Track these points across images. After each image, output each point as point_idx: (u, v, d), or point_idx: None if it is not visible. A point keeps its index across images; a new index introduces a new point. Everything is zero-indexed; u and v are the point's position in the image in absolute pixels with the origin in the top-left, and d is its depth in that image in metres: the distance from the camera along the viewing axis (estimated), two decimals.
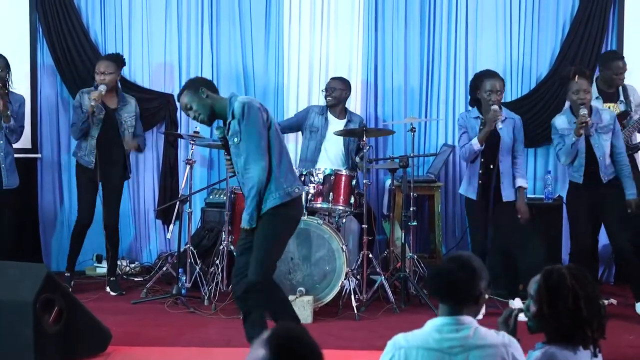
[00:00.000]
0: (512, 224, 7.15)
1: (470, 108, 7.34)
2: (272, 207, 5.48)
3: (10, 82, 7.59)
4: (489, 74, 7.13)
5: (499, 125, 6.91)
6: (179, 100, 5.71)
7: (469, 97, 7.29)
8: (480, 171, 7.07)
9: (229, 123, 5.50)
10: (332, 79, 8.16)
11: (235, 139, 5.47)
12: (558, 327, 3.27)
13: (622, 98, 7.69)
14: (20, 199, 8.25)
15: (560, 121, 7.09)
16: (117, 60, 7.81)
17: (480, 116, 7.04)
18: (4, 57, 7.59)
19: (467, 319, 3.31)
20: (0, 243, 7.58)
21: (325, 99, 8.02)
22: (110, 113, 7.69)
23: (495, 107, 6.91)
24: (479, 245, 7.10)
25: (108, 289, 7.80)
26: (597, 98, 7.51)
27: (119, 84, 7.93)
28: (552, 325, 3.29)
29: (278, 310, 5.58)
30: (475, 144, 6.96)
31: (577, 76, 6.89)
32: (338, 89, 7.98)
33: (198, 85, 5.60)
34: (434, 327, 3.32)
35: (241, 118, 5.43)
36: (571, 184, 7.22)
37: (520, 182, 7.16)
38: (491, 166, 7.06)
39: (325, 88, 8.07)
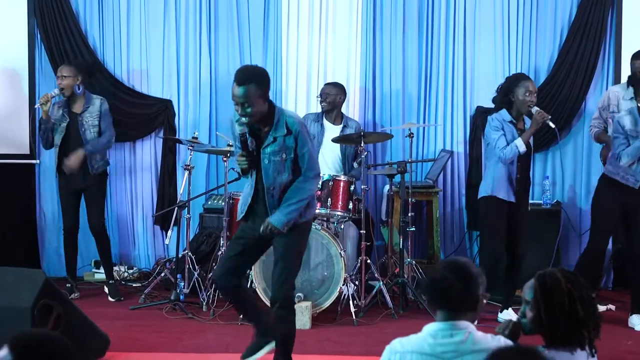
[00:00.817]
0: (528, 230, 7.11)
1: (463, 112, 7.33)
2: (305, 222, 5.41)
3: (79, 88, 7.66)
4: (523, 77, 7.09)
5: (552, 124, 6.87)
6: (240, 84, 5.17)
7: (498, 99, 7.08)
8: (518, 175, 6.96)
9: (279, 136, 5.25)
10: (326, 84, 8.17)
11: (284, 155, 5.26)
12: (556, 331, 3.27)
13: (631, 94, 7.60)
14: (18, 204, 8.26)
15: (628, 121, 6.92)
16: (79, 65, 7.81)
17: (514, 120, 6.94)
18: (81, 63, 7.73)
19: (463, 323, 3.31)
20: None
21: (320, 104, 8.03)
22: (73, 118, 7.66)
23: (538, 108, 6.86)
24: (498, 249, 7.01)
25: (106, 289, 7.81)
26: (630, 98, 7.43)
27: (77, 89, 7.66)
28: (549, 328, 3.29)
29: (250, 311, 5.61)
30: (521, 145, 6.83)
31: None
32: (332, 94, 7.98)
33: (267, 84, 5.33)
34: (429, 332, 3.33)
35: (298, 136, 5.27)
36: (610, 181, 7.07)
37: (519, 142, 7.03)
38: (522, 169, 7.01)
39: (320, 94, 8.07)
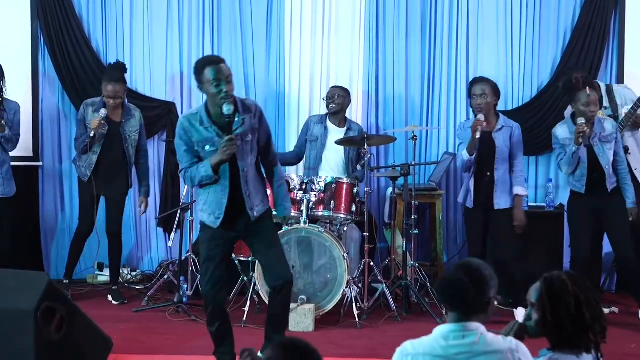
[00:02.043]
0: (511, 232, 7.15)
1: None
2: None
3: (5, 90, 7.56)
4: (475, 80, 7.21)
5: (477, 135, 6.88)
6: (219, 64, 5.27)
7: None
8: (473, 180, 7.10)
9: (245, 117, 5.33)
10: (333, 87, 8.17)
11: (250, 136, 5.36)
12: (562, 333, 3.28)
13: (605, 104, 7.67)
14: (21, 207, 8.25)
15: (562, 131, 7.06)
16: (124, 79, 7.74)
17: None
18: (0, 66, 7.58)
19: (474, 325, 3.31)
20: (0, 251, 7.57)
21: (328, 107, 8.00)
22: (113, 128, 7.64)
23: (480, 116, 6.94)
24: (476, 255, 7.07)
25: (110, 297, 7.79)
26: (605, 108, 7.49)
27: (125, 100, 7.83)
28: (555, 331, 3.29)
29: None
30: (464, 154, 7.00)
31: (587, 87, 6.84)
32: (341, 96, 7.98)
33: None
34: (440, 334, 3.32)
35: (261, 116, 5.43)
36: (573, 194, 7.21)
37: (517, 189, 7.16)
38: (488, 173, 7.06)
39: (328, 96, 8.05)
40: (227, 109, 5.18)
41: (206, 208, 5.45)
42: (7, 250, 7.68)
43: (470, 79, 7.55)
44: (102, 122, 7.48)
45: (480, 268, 3.37)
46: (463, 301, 3.31)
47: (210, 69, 5.23)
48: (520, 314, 6.91)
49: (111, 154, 7.65)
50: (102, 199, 7.80)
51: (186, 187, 7.60)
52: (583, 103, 6.83)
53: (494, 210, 7.10)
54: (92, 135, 7.42)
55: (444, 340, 3.29)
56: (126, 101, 7.82)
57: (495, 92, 7.13)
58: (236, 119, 5.29)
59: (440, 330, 3.34)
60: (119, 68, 7.80)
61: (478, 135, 6.89)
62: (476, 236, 7.17)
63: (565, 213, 7.55)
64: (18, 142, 7.68)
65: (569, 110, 7.48)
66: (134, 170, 7.88)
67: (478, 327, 3.31)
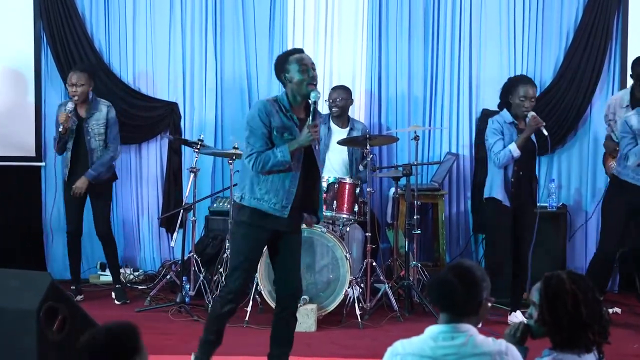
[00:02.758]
0: (533, 231, 7.06)
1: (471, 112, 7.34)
2: None
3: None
4: (524, 80, 7.02)
5: (545, 132, 6.79)
6: (304, 52, 5.41)
7: (499, 99, 7.10)
8: (513, 179, 6.92)
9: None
10: (334, 88, 8.13)
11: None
12: (560, 332, 3.28)
13: None
14: (24, 207, 8.26)
15: (636, 120, 6.89)
16: (90, 71, 7.78)
17: (515, 121, 6.91)
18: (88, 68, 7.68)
19: (464, 326, 3.29)
20: (2, 250, 7.57)
21: (331, 109, 7.99)
22: (80, 122, 7.64)
23: (533, 113, 6.80)
24: (503, 252, 7.00)
25: (113, 295, 7.80)
26: (626, 106, 7.43)
27: (91, 94, 7.73)
28: (554, 330, 3.29)
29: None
30: (515, 150, 6.79)
31: None
32: (343, 99, 7.96)
33: None
34: (430, 334, 3.32)
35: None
36: (619, 182, 7.06)
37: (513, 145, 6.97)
38: (520, 173, 6.97)
39: (330, 99, 8.03)
40: (314, 94, 5.20)
41: (269, 197, 5.22)
42: (8, 249, 7.68)
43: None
44: (70, 115, 7.47)
45: (472, 269, 3.34)
46: (452, 302, 3.30)
47: (297, 56, 5.29)
48: (518, 317, 6.89)
49: (80, 149, 7.65)
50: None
51: (188, 187, 7.59)
52: None
53: (529, 209, 7.01)
54: (60, 130, 7.43)
55: (433, 341, 3.28)
56: (92, 95, 7.73)
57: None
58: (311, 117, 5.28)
59: (431, 330, 3.33)
60: (88, 63, 7.99)
61: (546, 133, 6.79)
62: (507, 234, 7.02)
63: (571, 208, 7.47)
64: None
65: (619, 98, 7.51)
66: (137, 167, 7.89)
67: (468, 328, 3.30)
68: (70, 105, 7.51)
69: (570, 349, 3.27)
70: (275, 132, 5.22)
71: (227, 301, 5.35)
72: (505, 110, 6.98)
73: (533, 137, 6.94)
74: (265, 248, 5.56)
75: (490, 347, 3.26)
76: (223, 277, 7.33)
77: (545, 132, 6.81)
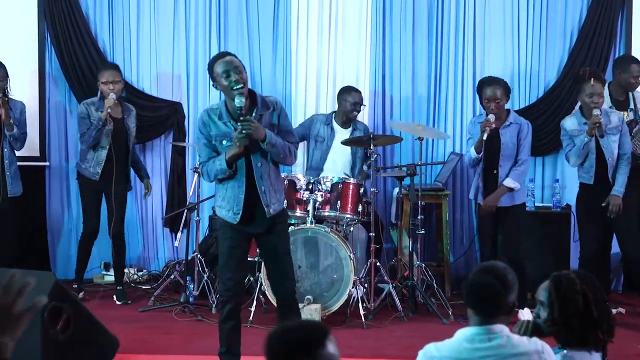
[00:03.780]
0: (520, 231, 7.14)
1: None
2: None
3: (9, 90, 7.58)
4: (489, 81, 7.15)
5: (484, 137, 6.90)
6: (227, 56, 5.34)
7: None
8: (480, 177, 7.13)
9: (265, 113, 5.33)
10: (356, 90, 8.03)
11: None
12: (571, 332, 3.28)
13: (632, 106, 7.64)
14: (28, 206, 8.26)
15: (570, 122, 7.10)
16: (119, 69, 7.86)
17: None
18: (3, 65, 7.58)
19: (499, 327, 3.28)
20: (7, 250, 7.59)
21: (352, 113, 7.89)
22: (117, 123, 7.66)
23: (491, 116, 6.91)
24: (486, 252, 7.12)
25: (115, 297, 7.80)
26: (610, 107, 7.46)
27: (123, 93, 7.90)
28: (564, 329, 3.30)
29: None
30: (472, 151, 7.04)
31: (592, 79, 6.88)
32: (363, 105, 7.98)
33: None
34: (464, 337, 3.29)
35: (281, 113, 5.44)
36: (581, 186, 7.22)
37: (506, 181, 7.07)
38: (494, 171, 7.06)
39: (355, 101, 7.87)
40: (238, 100, 5.16)
41: (224, 204, 5.41)
42: (13, 249, 7.69)
43: (479, 79, 7.52)
44: (115, 101, 7.52)
45: (506, 272, 3.35)
46: (494, 304, 3.28)
47: (220, 63, 5.26)
48: (526, 314, 6.90)
49: (118, 150, 7.65)
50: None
51: (192, 187, 7.60)
52: (587, 94, 6.91)
53: (503, 209, 7.08)
54: (109, 112, 7.43)
55: (469, 343, 3.26)
56: (123, 98, 7.88)
57: (507, 92, 7.13)
58: (253, 114, 5.28)
59: (464, 333, 3.31)
60: (115, 64, 8.05)
61: (485, 137, 6.90)
62: (486, 233, 7.19)
63: (574, 209, 7.53)
64: (25, 140, 7.72)
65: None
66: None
67: (502, 329, 3.29)
68: (113, 96, 7.51)
69: (580, 347, 3.28)
70: (214, 141, 5.35)
71: (223, 302, 5.48)
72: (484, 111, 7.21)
73: (509, 136, 7.06)
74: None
75: (527, 347, 3.26)
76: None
77: (484, 137, 6.91)
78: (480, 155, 6.99)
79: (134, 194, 8.66)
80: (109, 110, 7.44)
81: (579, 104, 7.25)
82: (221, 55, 5.43)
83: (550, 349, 3.32)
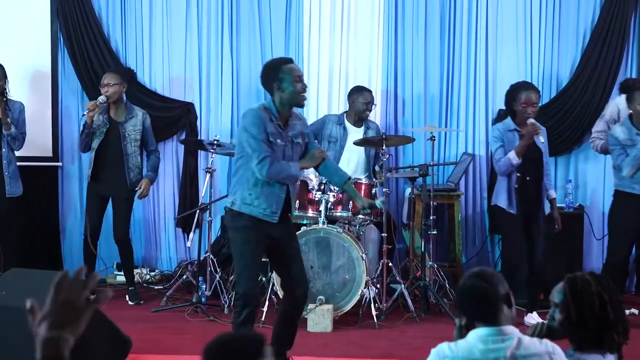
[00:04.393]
0: (547, 236, 7.09)
1: (483, 121, 7.33)
2: None
3: (7, 90, 7.60)
4: (525, 86, 7.04)
5: (542, 139, 6.83)
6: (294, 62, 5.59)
7: (505, 107, 7.18)
8: (517, 185, 6.93)
9: (299, 122, 5.60)
10: (368, 90, 8.03)
11: (301, 140, 5.58)
12: (586, 333, 3.28)
13: None
14: (41, 207, 8.29)
15: (620, 131, 7.01)
16: (123, 73, 7.85)
17: (518, 128, 6.92)
18: (2, 65, 7.59)
19: (510, 328, 3.28)
20: (10, 251, 7.59)
21: (365, 112, 7.88)
22: (114, 126, 7.63)
23: (532, 120, 6.79)
24: (515, 260, 7.00)
25: (127, 297, 7.81)
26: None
27: (124, 97, 7.82)
28: (580, 331, 3.29)
29: None
30: (514, 157, 6.81)
31: None
32: (373, 103, 7.96)
33: None
34: (478, 337, 3.28)
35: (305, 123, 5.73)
36: (622, 194, 7.14)
37: (552, 193, 7.15)
38: (527, 178, 6.96)
39: (367, 100, 7.88)
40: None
41: (259, 203, 5.36)
42: (15, 249, 7.70)
43: (489, 79, 7.45)
44: (98, 105, 7.45)
45: (482, 270, 3.40)
46: (487, 302, 3.28)
47: (292, 67, 5.44)
48: (534, 318, 6.89)
49: (111, 152, 7.64)
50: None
51: (204, 187, 7.60)
52: (639, 102, 6.89)
53: (538, 215, 7.01)
54: (89, 115, 7.40)
55: (483, 344, 3.25)
56: (125, 99, 7.82)
57: (539, 98, 7.11)
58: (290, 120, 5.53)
59: (477, 333, 3.30)
60: (124, 69, 8.09)
61: (542, 140, 6.83)
62: (517, 241, 7.03)
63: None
64: (24, 141, 7.70)
65: (622, 110, 7.48)
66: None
67: (513, 330, 3.29)
68: (101, 98, 7.51)
69: (595, 350, 3.27)
70: (270, 138, 5.37)
71: (241, 307, 5.43)
72: (509, 117, 7.01)
73: (540, 143, 6.94)
74: None
75: (538, 348, 3.25)
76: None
77: (542, 139, 6.83)
78: (520, 161, 6.85)
79: (150, 194, 8.66)
80: (84, 112, 7.46)
81: (628, 112, 7.12)
82: (289, 60, 5.58)
83: (561, 350, 3.31)
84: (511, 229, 7.04)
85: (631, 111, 7.02)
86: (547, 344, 3.29)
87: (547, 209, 7.10)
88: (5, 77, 7.58)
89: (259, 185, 5.36)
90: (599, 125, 7.79)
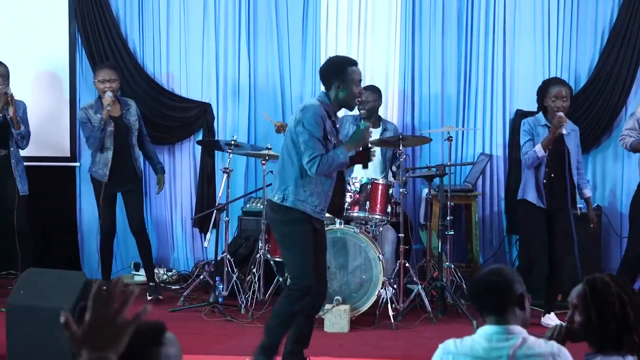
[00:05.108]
0: (572, 233, 7.03)
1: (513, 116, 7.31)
2: None
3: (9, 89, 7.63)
4: (555, 81, 7.07)
5: (563, 131, 6.75)
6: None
7: (537, 103, 7.13)
8: (545, 180, 6.91)
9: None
10: (364, 88, 8.05)
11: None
12: (606, 334, 3.26)
13: None
14: (59, 207, 8.32)
15: None
16: (118, 68, 7.88)
17: (548, 124, 6.89)
18: (5, 65, 7.62)
19: (517, 328, 3.28)
20: (27, 250, 7.62)
21: (359, 111, 7.92)
22: (117, 122, 7.67)
23: (561, 113, 6.76)
24: (534, 252, 6.98)
25: (147, 294, 7.82)
26: None
27: (119, 91, 7.88)
28: (600, 333, 3.28)
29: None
30: (539, 150, 6.79)
31: None
32: (370, 101, 7.87)
33: None
34: (483, 335, 3.29)
35: None
36: None
37: (587, 192, 7.13)
38: (552, 175, 6.94)
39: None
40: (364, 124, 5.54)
41: (312, 200, 5.37)
42: (32, 248, 7.72)
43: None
44: (112, 105, 7.50)
45: (500, 268, 3.40)
46: (498, 296, 3.28)
47: (356, 69, 5.44)
48: (552, 318, 6.87)
49: (123, 148, 7.67)
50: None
51: (222, 187, 7.61)
52: None
53: (562, 211, 6.97)
54: (108, 110, 7.44)
55: (487, 342, 3.26)
56: (119, 93, 7.86)
57: (572, 94, 7.07)
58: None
59: (484, 331, 3.30)
60: (113, 63, 8.09)
61: (564, 132, 6.78)
62: (538, 235, 7.02)
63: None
64: (30, 138, 7.71)
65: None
66: (170, 168, 7.94)
67: (521, 330, 3.29)
68: (109, 94, 7.52)
69: (615, 352, 3.26)
70: (329, 136, 5.37)
71: (300, 297, 5.37)
72: (541, 112, 6.98)
73: (566, 138, 6.90)
74: None
75: (542, 349, 3.24)
76: (256, 277, 7.35)
77: (564, 131, 6.77)
78: (545, 154, 6.85)
79: (165, 195, 8.70)
80: (108, 108, 7.48)
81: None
82: (355, 62, 5.53)
83: (568, 353, 3.29)
84: (534, 221, 7.00)
85: None
86: (553, 346, 3.27)
87: (577, 207, 7.07)
88: (8, 77, 7.61)
89: (313, 181, 5.36)
90: (629, 123, 7.72)
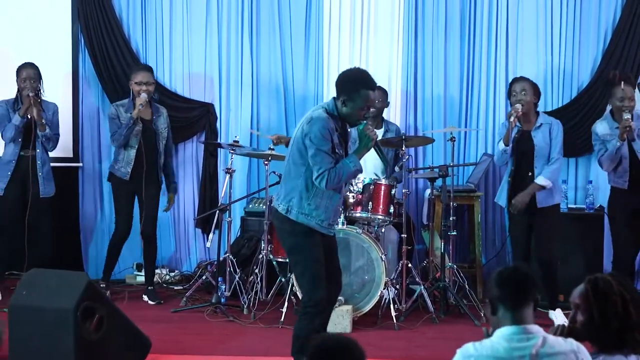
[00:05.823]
0: (555, 232, 7.08)
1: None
2: None
3: (42, 91, 7.64)
4: (515, 79, 7.24)
5: (511, 119, 6.85)
6: (375, 90, 5.42)
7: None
8: (510, 178, 7.06)
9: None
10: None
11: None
12: (609, 333, 3.27)
13: None
14: (61, 207, 8.32)
15: (602, 127, 7.11)
16: (152, 71, 7.88)
17: (506, 122, 7.08)
18: (37, 67, 7.63)
19: (535, 327, 3.30)
20: (40, 251, 7.64)
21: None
22: (146, 124, 7.70)
23: (517, 105, 6.90)
24: (520, 254, 7.07)
25: (145, 297, 7.82)
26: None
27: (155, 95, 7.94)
28: (602, 332, 3.29)
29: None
30: (500, 144, 6.97)
31: (622, 82, 6.87)
32: (380, 101, 7.90)
33: None
34: (502, 336, 3.30)
35: None
36: (614, 190, 7.22)
37: (538, 179, 7.00)
38: (529, 173, 7.00)
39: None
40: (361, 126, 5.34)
41: (317, 214, 5.25)
42: (48, 249, 7.75)
43: (510, 80, 7.51)
44: (144, 105, 7.54)
45: (529, 269, 3.45)
46: (524, 289, 3.31)
47: (369, 94, 5.28)
48: (557, 315, 6.88)
49: (148, 150, 7.68)
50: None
51: (224, 188, 7.61)
52: (618, 98, 6.97)
53: (537, 209, 7.02)
54: (140, 109, 7.51)
55: (507, 342, 3.27)
56: (153, 100, 7.89)
57: (535, 91, 7.11)
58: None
59: (502, 332, 3.31)
60: (148, 66, 8.05)
61: (512, 119, 6.83)
62: (521, 238, 7.11)
63: (606, 213, 7.51)
64: (58, 141, 7.77)
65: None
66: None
67: (539, 329, 3.30)
68: (144, 95, 7.56)
69: (618, 351, 3.27)
70: (337, 149, 5.25)
71: (316, 313, 5.26)
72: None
73: (541, 136, 7.00)
74: None
75: (563, 347, 3.26)
76: (258, 278, 7.35)
77: (512, 119, 6.87)
78: (509, 148, 6.92)
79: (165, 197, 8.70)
80: (140, 108, 7.49)
81: (609, 107, 7.22)
82: (373, 87, 5.38)
83: (586, 350, 3.30)
84: (514, 226, 7.24)
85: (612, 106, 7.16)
86: (572, 343, 3.30)
87: (547, 202, 7.09)
88: (40, 77, 7.63)
89: (319, 195, 5.24)
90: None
